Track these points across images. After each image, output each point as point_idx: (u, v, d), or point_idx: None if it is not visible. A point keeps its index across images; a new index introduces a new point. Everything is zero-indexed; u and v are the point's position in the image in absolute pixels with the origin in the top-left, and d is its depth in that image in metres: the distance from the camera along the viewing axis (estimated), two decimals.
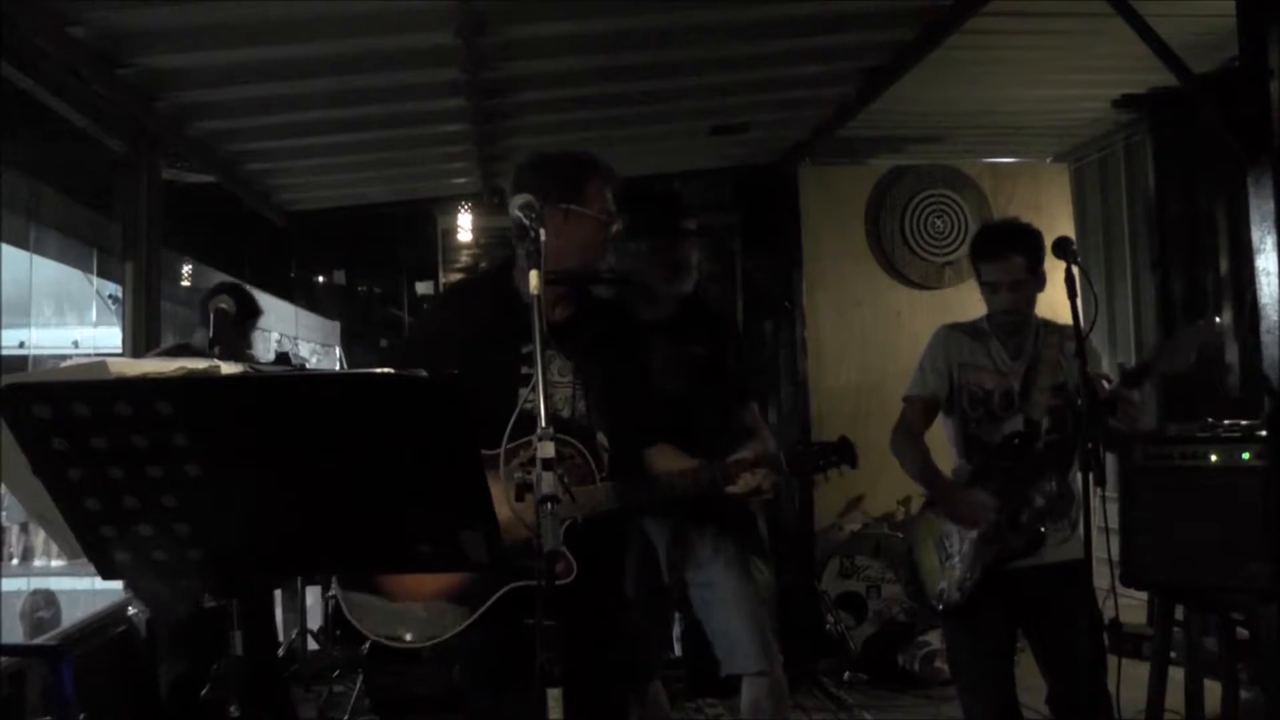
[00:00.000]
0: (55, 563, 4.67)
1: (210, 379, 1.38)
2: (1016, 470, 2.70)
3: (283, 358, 5.49)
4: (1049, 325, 2.84)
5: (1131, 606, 2.90)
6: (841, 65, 4.45)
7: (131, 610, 3.82)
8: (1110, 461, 2.66)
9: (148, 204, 4.37)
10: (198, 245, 7.96)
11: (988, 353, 2.84)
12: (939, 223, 5.77)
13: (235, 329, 3.61)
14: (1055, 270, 2.59)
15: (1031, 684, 2.78)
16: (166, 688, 3.52)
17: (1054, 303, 2.88)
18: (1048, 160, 6.12)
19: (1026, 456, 2.70)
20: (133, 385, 1.30)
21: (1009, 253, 2.75)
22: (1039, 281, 2.78)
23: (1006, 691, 2.73)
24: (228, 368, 1.46)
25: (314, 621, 5.20)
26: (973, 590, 2.68)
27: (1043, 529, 2.67)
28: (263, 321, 4.07)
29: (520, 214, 1.78)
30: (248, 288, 4.14)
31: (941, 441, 2.94)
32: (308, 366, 6.43)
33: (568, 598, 2.02)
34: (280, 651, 4.83)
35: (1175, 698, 3.23)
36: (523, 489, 1.94)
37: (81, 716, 3.00)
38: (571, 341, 2.18)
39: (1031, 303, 2.81)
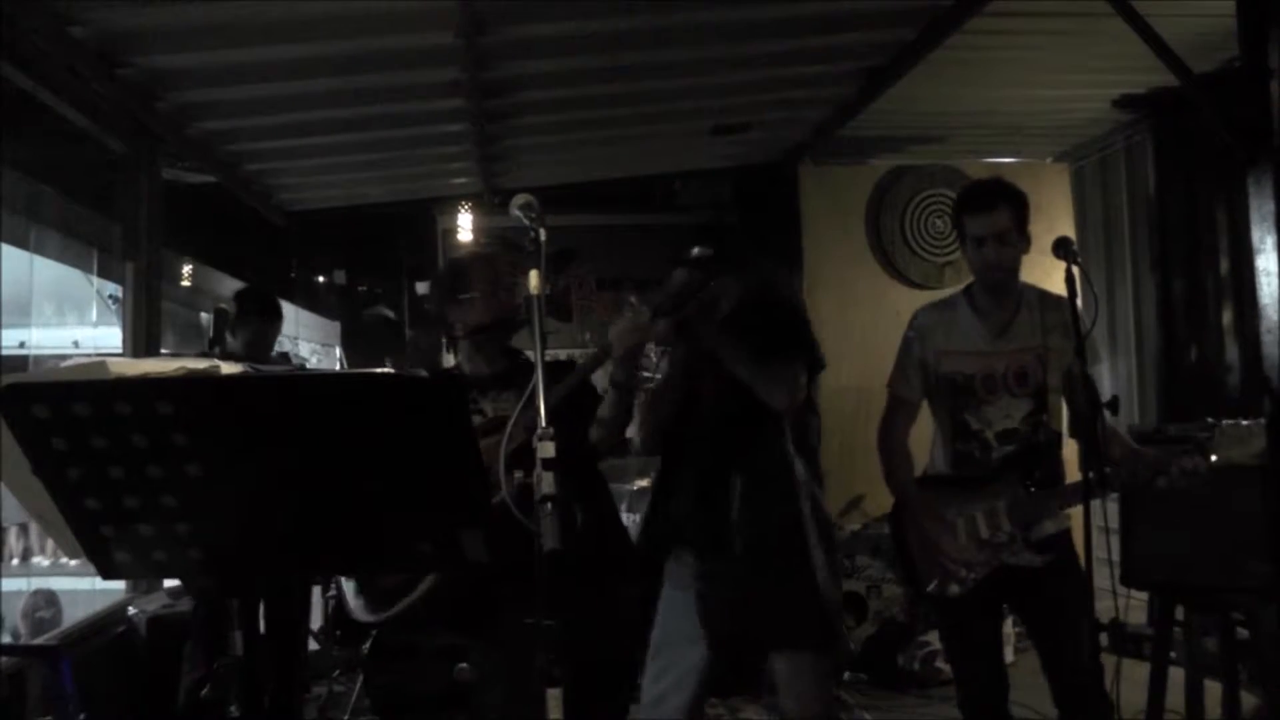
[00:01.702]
0: (51, 561, 4.67)
1: (210, 379, 1.38)
2: (1018, 479, 2.66)
3: (283, 358, 5.49)
4: (1047, 299, 2.73)
5: (1131, 606, 2.89)
6: (842, 65, 4.45)
7: (131, 610, 3.82)
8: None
9: (148, 204, 4.37)
10: (198, 245, 7.96)
11: (967, 333, 2.75)
12: (939, 223, 5.76)
13: (259, 334, 3.79)
14: (1055, 270, 2.58)
15: (1032, 684, 2.78)
16: (185, 690, 3.51)
17: None
18: (1048, 160, 6.12)
19: (1023, 466, 2.66)
20: (133, 385, 1.30)
21: (998, 203, 2.66)
22: (1024, 243, 2.69)
23: (995, 664, 2.75)
24: (228, 368, 1.46)
25: (314, 621, 5.19)
26: (973, 587, 2.66)
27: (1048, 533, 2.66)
28: None
29: (520, 214, 1.78)
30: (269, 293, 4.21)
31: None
32: (308, 366, 6.43)
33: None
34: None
35: (1175, 698, 3.23)
36: (524, 489, 1.95)
37: (82, 716, 2.99)
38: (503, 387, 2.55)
39: (1016, 263, 2.70)
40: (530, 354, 2.02)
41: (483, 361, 2.65)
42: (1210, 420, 2.56)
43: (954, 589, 2.66)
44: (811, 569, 2.67)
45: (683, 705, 2.56)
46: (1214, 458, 2.50)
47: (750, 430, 2.57)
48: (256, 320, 3.83)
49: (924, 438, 2.89)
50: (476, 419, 2.47)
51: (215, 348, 3.40)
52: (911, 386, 2.82)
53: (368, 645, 3.99)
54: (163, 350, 4.57)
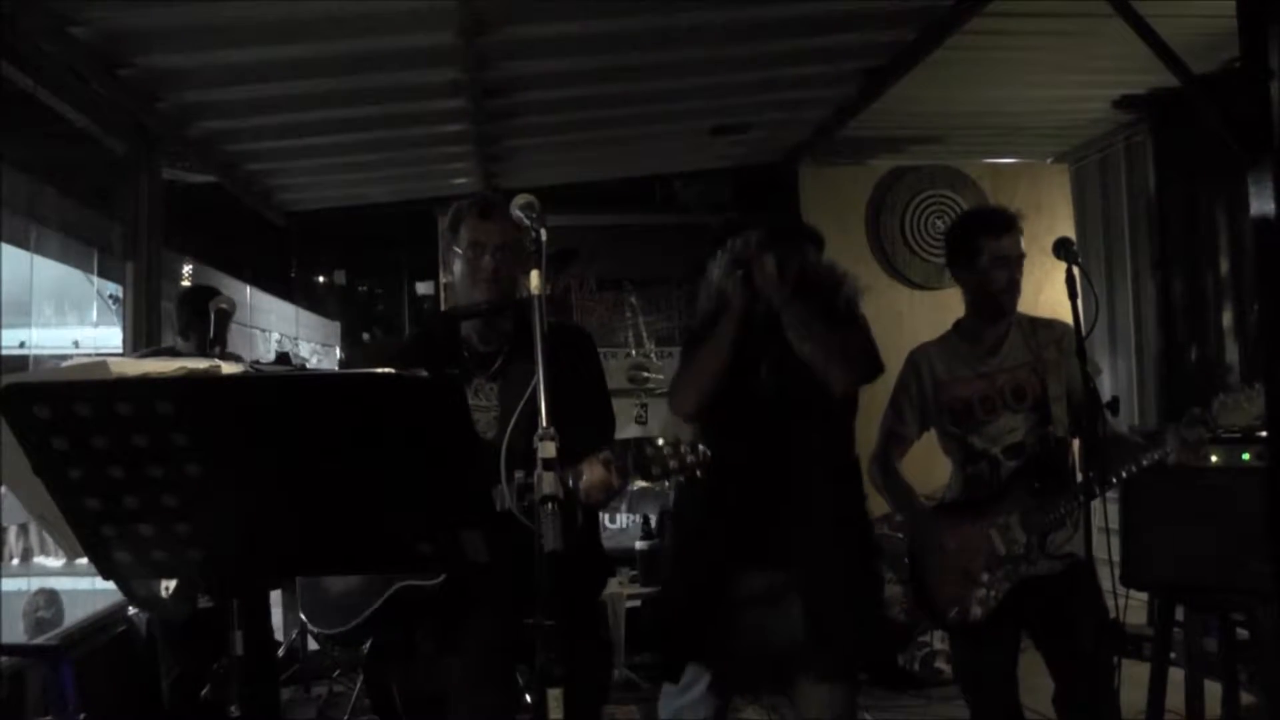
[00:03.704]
0: (54, 562, 4.67)
1: (210, 379, 1.39)
2: (1031, 494, 2.65)
3: (283, 358, 5.49)
4: (1036, 321, 2.79)
5: (1132, 607, 2.90)
6: (842, 65, 4.45)
7: (132, 610, 3.82)
8: None
9: (148, 204, 4.38)
10: (198, 245, 7.97)
11: (960, 360, 2.79)
12: (940, 223, 5.77)
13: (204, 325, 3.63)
14: (1056, 270, 2.59)
15: (1033, 684, 2.78)
16: (168, 688, 3.53)
17: (1054, 303, 2.88)
18: (1048, 160, 6.12)
19: (1032, 477, 2.66)
20: (133, 385, 1.30)
21: (1017, 226, 2.72)
22: None
23: (1011, 694, 2.72)
24: (228, 367, 1.46)
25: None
26: (996, 606, 2.64)
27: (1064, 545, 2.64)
28: (263, 321, 4.10)
29: (520, 213, 1.78)
30: (210, 285, 4.17)
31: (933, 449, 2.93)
32: (308, 366, 6.43)
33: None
34: (280, 651, 4.82)
35: (1175, 698, 3.23)
36: (524, 489, 1.94)
37: (82, 716, 3.00)
38: (501, 369, 2.29)
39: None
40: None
41: (475, 338, 2.36)
42: (1198, 409, 2.56)
43: (976, 612, 2.66)
44: (881, 593, 2.63)
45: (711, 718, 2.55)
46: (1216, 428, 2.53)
47: (816, 420, 2.50)
48: (200, 321, 3.77)
49: (937, 459, 2.92)
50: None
51: (215, 347, 3.39)
52: (905, 423, 2.86)
53: (368, 645, 3.99)
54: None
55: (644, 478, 2.03)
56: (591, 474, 1.97)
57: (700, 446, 1.98)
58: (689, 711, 2.56)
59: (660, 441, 2.03)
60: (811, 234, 2.75)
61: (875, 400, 2.89)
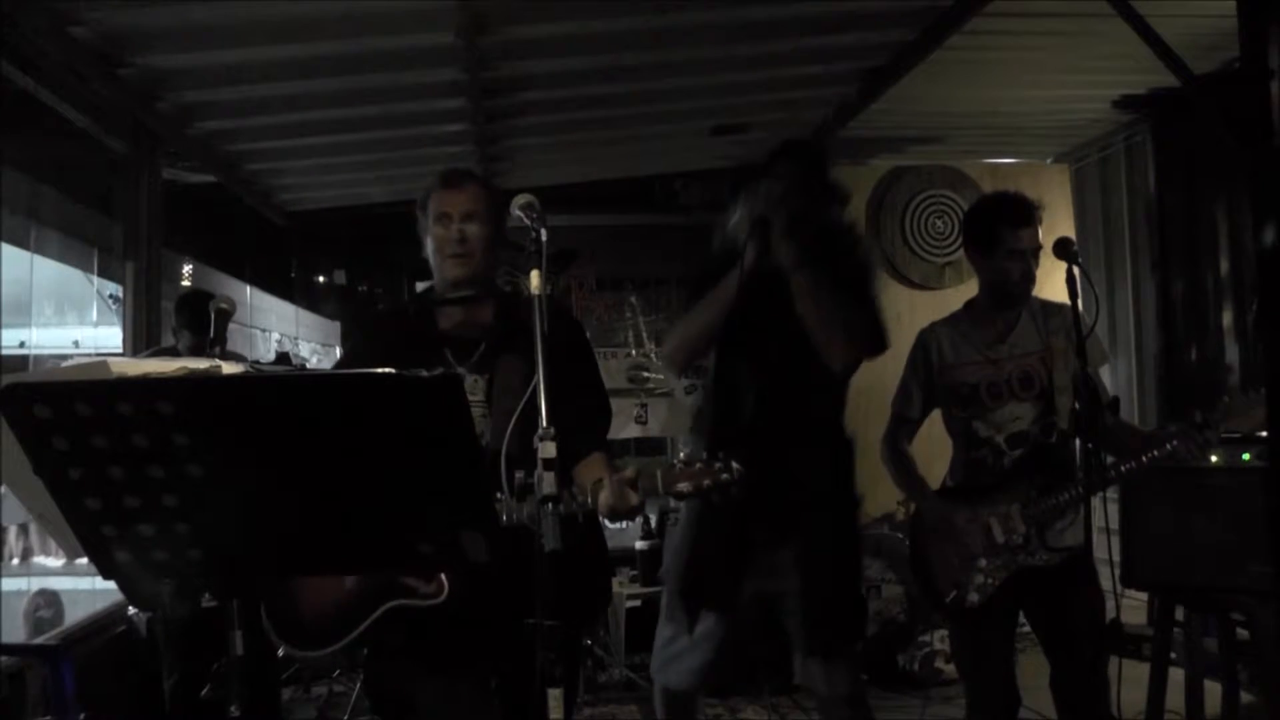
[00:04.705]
0: (54, 562, 4.67)
1: (210, 379, 1.39)
2: (1032, 484, 2.66)
3: (283, 358, 5.49)
4: (1049, 306, 2.78)
5: (1132, 606, 2.90)
6: (842, 65, 4.45)
7: (132, 610, 3.82)
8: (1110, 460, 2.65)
9: (148, 204, 4.38)
10: (198, 245, 7.98)
11: (969, 344, 2.78)
12: (939, 223, 5.77)
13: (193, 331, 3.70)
14: (1056, 270, 2.59)
15: (1031, 684, 2.78)
16: (169, 690, 3.53)
17: None
18: (1048, 161, 6.12)
19: (1034, 468, 2.67)
20: (133, 385, 1.30)
21: (1035, 217, 2.71)
22: None
23: (1008, 676, 2.74)
24: (228, 367, 1.46)
25: None
26: (993, 593, 2.65)
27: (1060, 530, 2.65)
28: (263, 321, 4.11)
29: (520, 214, 1.78)
30: (205, 290, 4.18)
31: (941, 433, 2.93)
32: (308, 367, 6.43)
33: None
34: (280, 651, 4.82)
35: (1175, 698, 3.23)
36: (524, 490, 1.94)
37: (82, 716, 3.00)
38: (484, 361, 2.16)
39: None
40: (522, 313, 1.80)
41: (453, 325, 2.22)
42: (1200, 415, 2.57)
43: (973, 597, 2.67)
44: (859, 572, 2.70)
45: (696, 668, 2.58)
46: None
47: (812, 390, 2.51)
48: (189, 333, 3.81)
49: (937, 449, 2.92)
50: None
51: (215, 347, 3.40)
52: (913, 405, 2.87)
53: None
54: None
55: (675, 497, 1.97)
56: (612, 495, 1.90)
57: (734, 463, 1.92)
58: (680, 663, 2.59)
59: (683, 455, 2.03)
60: (837, 190, 2.70)
61: (885, 383, 2.89)
